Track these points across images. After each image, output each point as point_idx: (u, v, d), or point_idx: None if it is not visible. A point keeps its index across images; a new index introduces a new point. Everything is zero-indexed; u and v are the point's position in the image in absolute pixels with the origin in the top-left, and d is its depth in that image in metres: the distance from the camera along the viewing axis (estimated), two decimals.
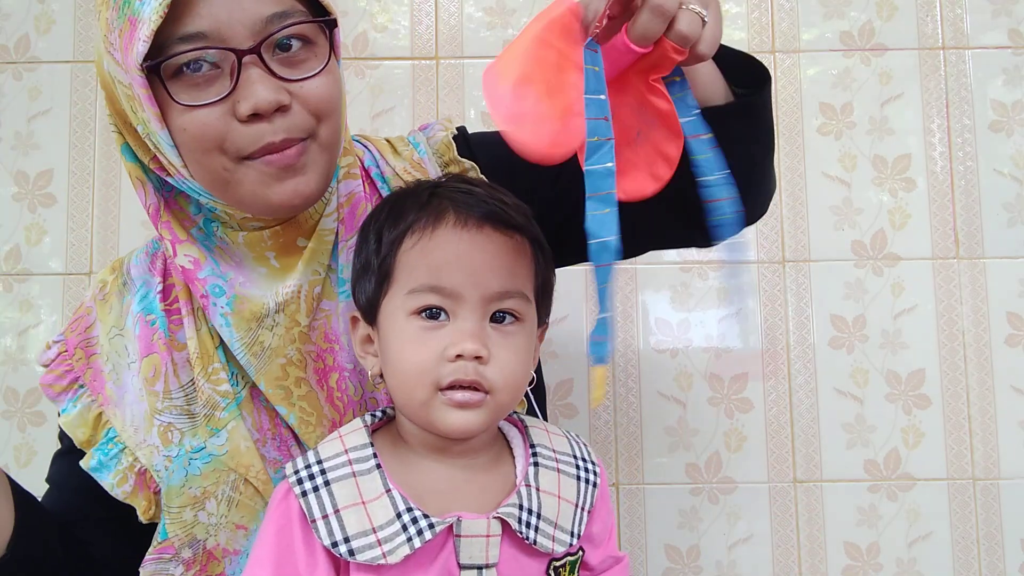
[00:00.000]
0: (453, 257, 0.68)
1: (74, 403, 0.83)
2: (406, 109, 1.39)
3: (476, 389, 0.67)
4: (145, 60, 0.69)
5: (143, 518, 0.81)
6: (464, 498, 0.69)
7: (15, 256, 1.36)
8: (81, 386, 0.83)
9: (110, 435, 0.82)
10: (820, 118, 1.39)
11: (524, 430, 0.75)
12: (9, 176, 1.38)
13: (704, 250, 1.37)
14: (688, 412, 1.36)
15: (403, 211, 0.72)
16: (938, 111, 1.39)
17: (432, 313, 0.68)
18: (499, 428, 0.76)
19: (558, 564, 0.69)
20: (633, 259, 1.38)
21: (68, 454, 0.85)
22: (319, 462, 0.69)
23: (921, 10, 1.41)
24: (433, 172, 0.87)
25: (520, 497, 0.68)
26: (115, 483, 0.81)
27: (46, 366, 0.85)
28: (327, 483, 0.67)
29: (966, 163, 1.39)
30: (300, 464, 0.70)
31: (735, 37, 1.40)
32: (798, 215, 1.38)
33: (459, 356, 0.66)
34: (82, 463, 0.81)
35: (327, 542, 0.64)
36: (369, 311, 0.73)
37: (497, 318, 0.69)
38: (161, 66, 0.69)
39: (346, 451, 0.70)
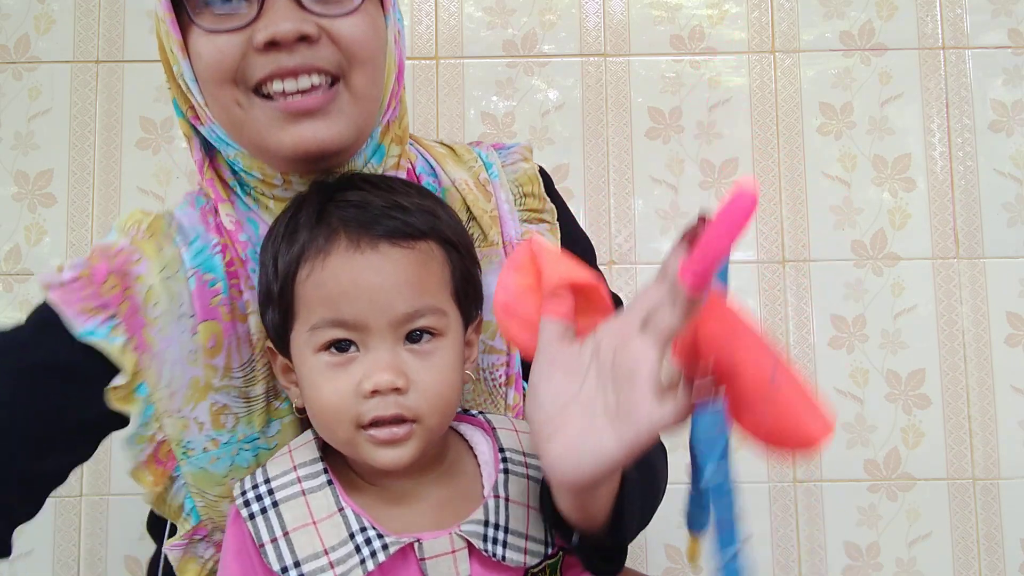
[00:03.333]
0: (350, 285, 0.62)
1: (112, 333, 0.69)
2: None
3: (401, 421, 0.62)
4: None
5: (145, 500, 0.73)
6: (423, 515, 0.66)
7: (15, 256, 1.36)
8: (112, 316, 0.69)
9: (140, 390, 0.70)
10: (820, 118, 1.39)
11: (492, 432, 0.71)
12: (9, 176, 1.38)
13: None
14: None
15: (296, 230, 0.66)
16: (938, 111, 1.39)
17: (341, 346, 0.63)
18: (457, 431, 0.72)
19: (535, 571, 0.65)
20: (633, 259, 1.38)
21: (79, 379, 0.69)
22: (267, 481, 0.65)
23: (921, 10, 1.41)
24: (504, 200, 0.81)
25: (487, 511, 0.65)
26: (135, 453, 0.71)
27: (49, 285, 0.70)
28: (275, 503, 0.63)
29: (966, 163, 1.39)
30: (247, 484, 0.66)
31: (735, 37, 1.40)
32: (798, 215, 1.38)
33: (375, 391, 0.61)
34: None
35: (276, 567, 0.61)
36: (280, 342, 0.68)
37: (413, 337, 0.63)
38: None
39: (295, 468, 0.66)
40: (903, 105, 1.39)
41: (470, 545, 0.63)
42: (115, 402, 0.69)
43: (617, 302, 0.87)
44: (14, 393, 0.68)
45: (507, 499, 0.66)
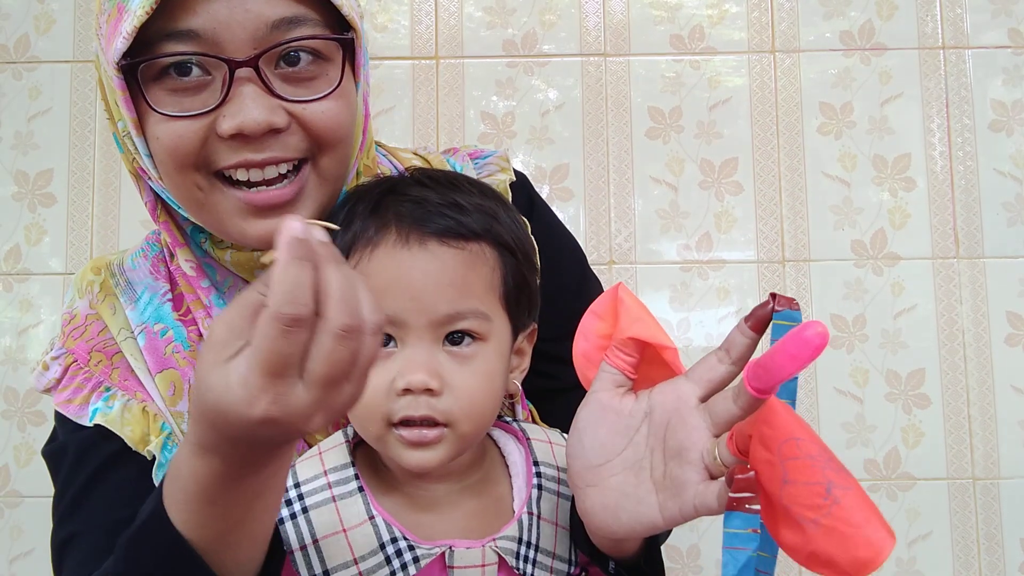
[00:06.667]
0: (392, 280, 0.61)
1: (107, 403, 0.71)
2: (406, 109, 1.39)
3: (432, 424, 0.61)
4: (124, 58, 0.61)
5: None
6: (455, 523, 0.65)
7: (15, 256, 1.36)
8: (107, 388, 0.71)
9: (166, 428, 0.70)
10: (820, 118, 1.39)
11: (527, 443, 0.69)
12: (9, 176, 1.38)
13: (704, 251, 1.37)
14: None
15: (351, 220, 0.65)
16: (938, 111, 1.39)
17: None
18: (492, 438, 0.71)
19: None
20: (633, 259, 1.38)
21: (113, 466, 0.70)
22: (296, 485, 0.64)
23: (921, 10, 1.41)
24: None
25: (521, 528, 0.64)
26: None
27: (50, 390, 0.73)
28: (305, 509, 0.62)
29: (966, 163, 1.39)
30: None
31: (735, 37, 1.40)
32: (798, 215, 1.38)
33: (407, 390, 0.60)
34: (155, 472, 0.70)
35: (305, 575, 0.60)
36: None
37: (454, 339, 0.62)
38: (141, 65, 0.62)
39: (325, 472, 0.65)
40: (903, 105, 1.39)
41: (500, 559, 0.63)
42: (147, 453, 0.70)
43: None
44: (107, 504, 0.68)
45: (539, 516, 0.65)
